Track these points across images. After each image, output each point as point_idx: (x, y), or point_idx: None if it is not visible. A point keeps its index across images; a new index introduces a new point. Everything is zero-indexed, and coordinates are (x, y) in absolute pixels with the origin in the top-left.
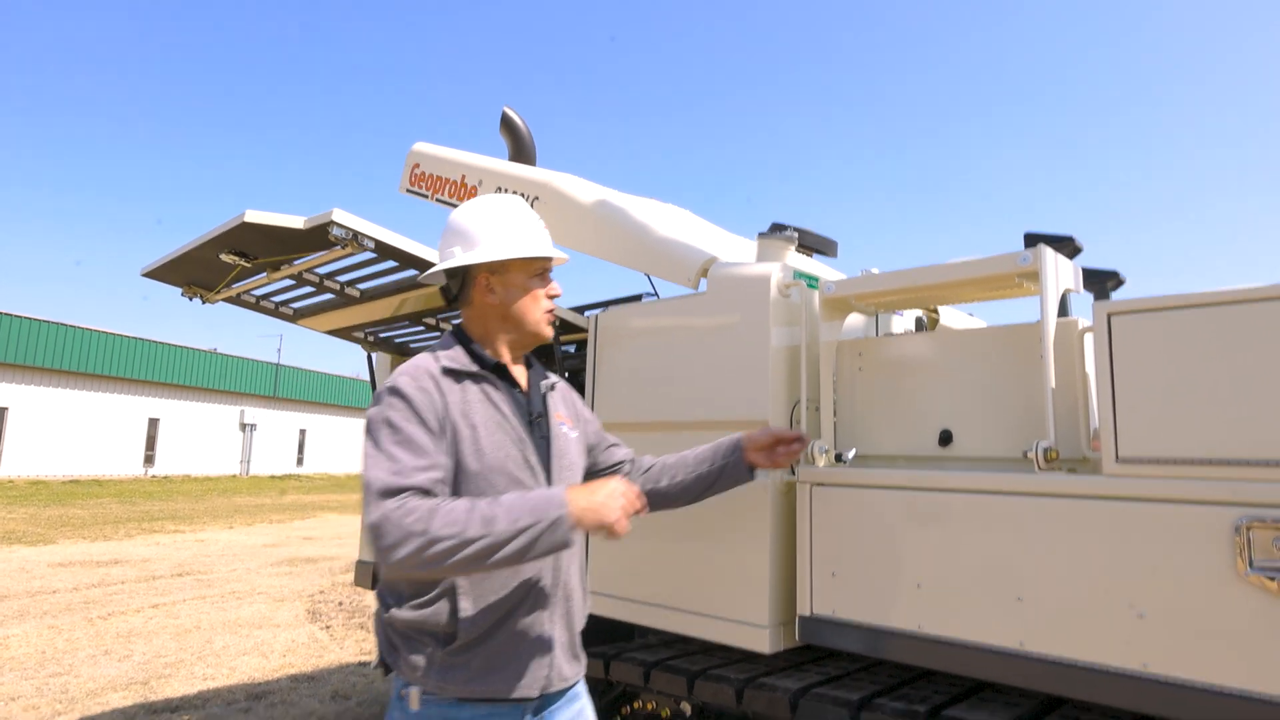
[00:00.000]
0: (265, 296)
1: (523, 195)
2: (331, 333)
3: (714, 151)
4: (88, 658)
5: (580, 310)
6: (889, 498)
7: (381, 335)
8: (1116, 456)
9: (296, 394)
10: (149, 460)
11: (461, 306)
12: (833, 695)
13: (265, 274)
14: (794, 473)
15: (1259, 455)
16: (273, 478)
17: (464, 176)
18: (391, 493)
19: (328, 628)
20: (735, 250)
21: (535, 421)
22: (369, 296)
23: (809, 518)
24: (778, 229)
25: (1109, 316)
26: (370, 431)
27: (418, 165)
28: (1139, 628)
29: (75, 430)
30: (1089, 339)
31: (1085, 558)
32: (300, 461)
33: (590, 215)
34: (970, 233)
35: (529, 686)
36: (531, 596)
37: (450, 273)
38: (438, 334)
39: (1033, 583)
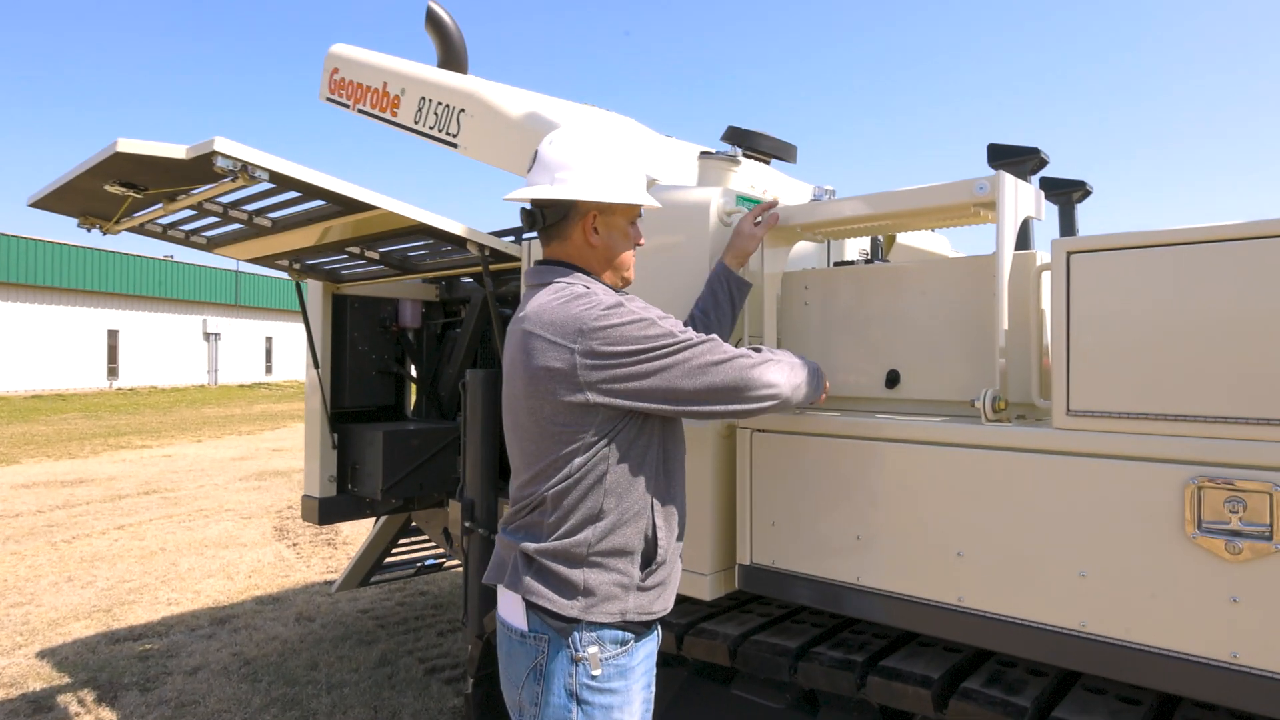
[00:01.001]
0: (173, 225)
1: (448, 106)
2: (253, 261)
3: (678, 42)
4: (50, 585)
5: (507, 235)
6: (828, 446)
7: (309, 263)
8: (1068, 409)
9: (260, 301)
10: (113, 373)
11: (550, 240)
12: (771, 643)
13: (161, 205)
14: None
15: (1215, 411)
16: (242, 387)
17: (386, 84)
18: (751, 360)
19: (294, 545)
20: (682, 166)
21: None
22: (282, 226)
23: (749, 466)
24: (735, 135)
25: (1068, 255)
26: (657, 348)
27: (336, 70)
28: (1078, 587)
29: (34, 344)
30: (1046, 277)
31: (1029, 514)
32: (269, 370)
33: (518, 130)
34: (948, 135)
35: (672, 598)
36: (683, 498)
37: (545, 201)
38: (363, 262)
39: (974, 538)
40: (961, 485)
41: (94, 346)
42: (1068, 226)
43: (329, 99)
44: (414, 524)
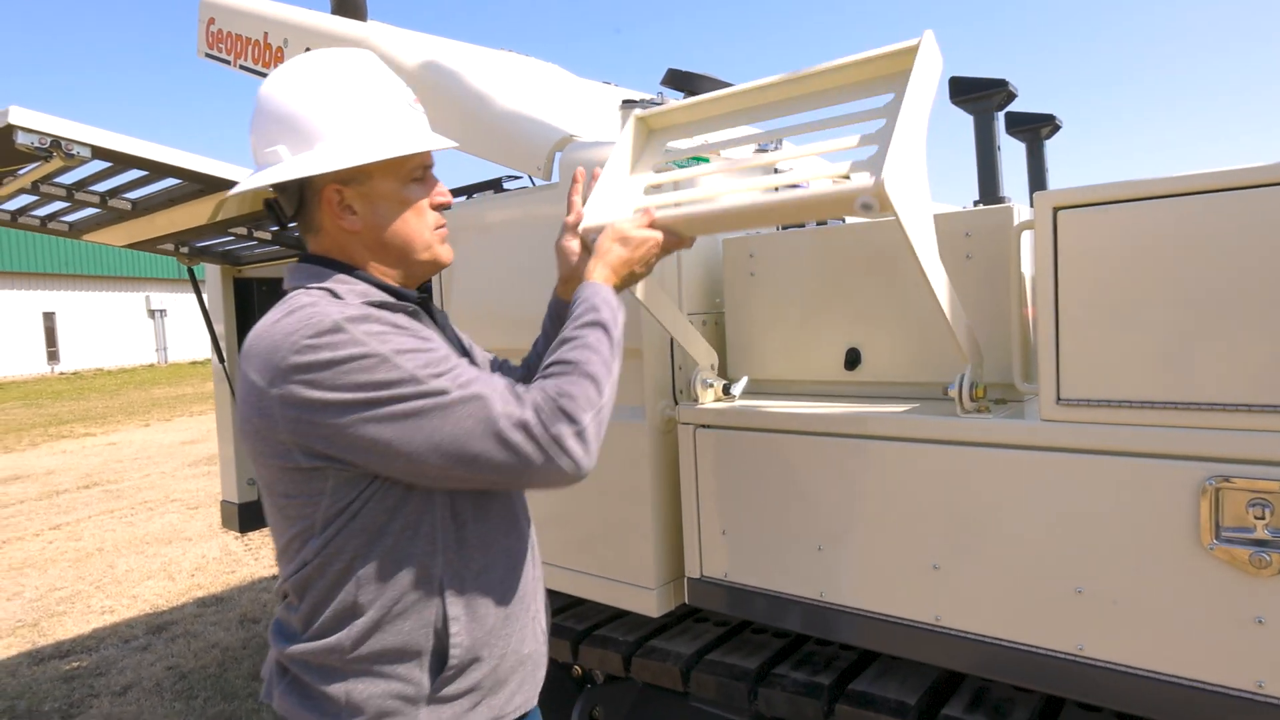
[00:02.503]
0: (21, 211)
1: None
2: (131, 247)
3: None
4: None
5: (484, 190)
6: (781, 443)
7: (197, 245)
8: (1058, 397)
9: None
10: (53, 356)
11: (306, 233)
12: (728, 664)
13: None
14: (677, 404)
15: (1237, 398)
16: (194, 364)
17: (266, 34)
18: (503, 404)
19: (241, 537)
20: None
21: (468, 358)
22: (145, 209)
23: (693, 465)
24: (675, 77)
25: (1054, 211)
26: (376, 388)
27: (213, 21)
28: (1074, 605)
29: None
30: (1027, 238)
31: (1013, 519)
32: None
33: (414, 82)
34: None
35: (530, 694)
36: (513, 567)
37: (279, 185)
38: (254, 242)
39: (951, 549)
40: (935, 487)
41: (30, 330)
42: (1036, 167)
43: (208, 55)
44: None
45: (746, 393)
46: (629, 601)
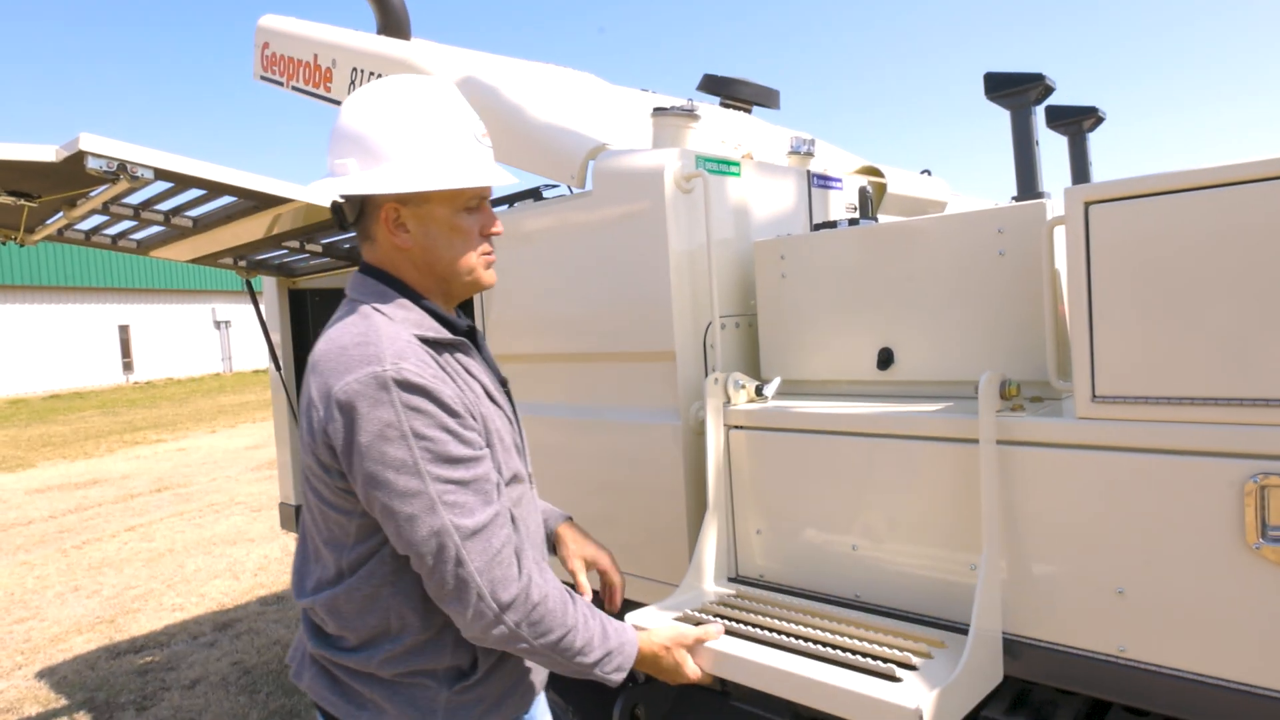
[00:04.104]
0: (94, 231)
1: (382, 76)
2: (194, 261)
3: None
4: (56, 596)
5: (523, 200)
6: (814, 443)
7: (255, 259)
8: (1093, 394)
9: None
10: (128, 367)
11: (361, 240)
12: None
13: (63, 212)
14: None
15: (1279, 394)
16: (256, 372)
17: (316, 56)
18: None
19: None
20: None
21: (507, 391)
22: (205, 225)
23: (726, 466)
24: (712, 82)
25: (1086, 206)
26: (400, 456)
27: (267, 45)
28: (1116, 606)
29: (48, 345)
30: (1059, 234)
31: (1052, 519)
32: None
33: None
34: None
35: (536, 687)
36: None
37: (345, 194)
38: (307, 255)
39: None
40: (967, 487)
41: (107, 342)
42: (1079, 160)
43: (263, 78)
44: None
45: (779, 393)
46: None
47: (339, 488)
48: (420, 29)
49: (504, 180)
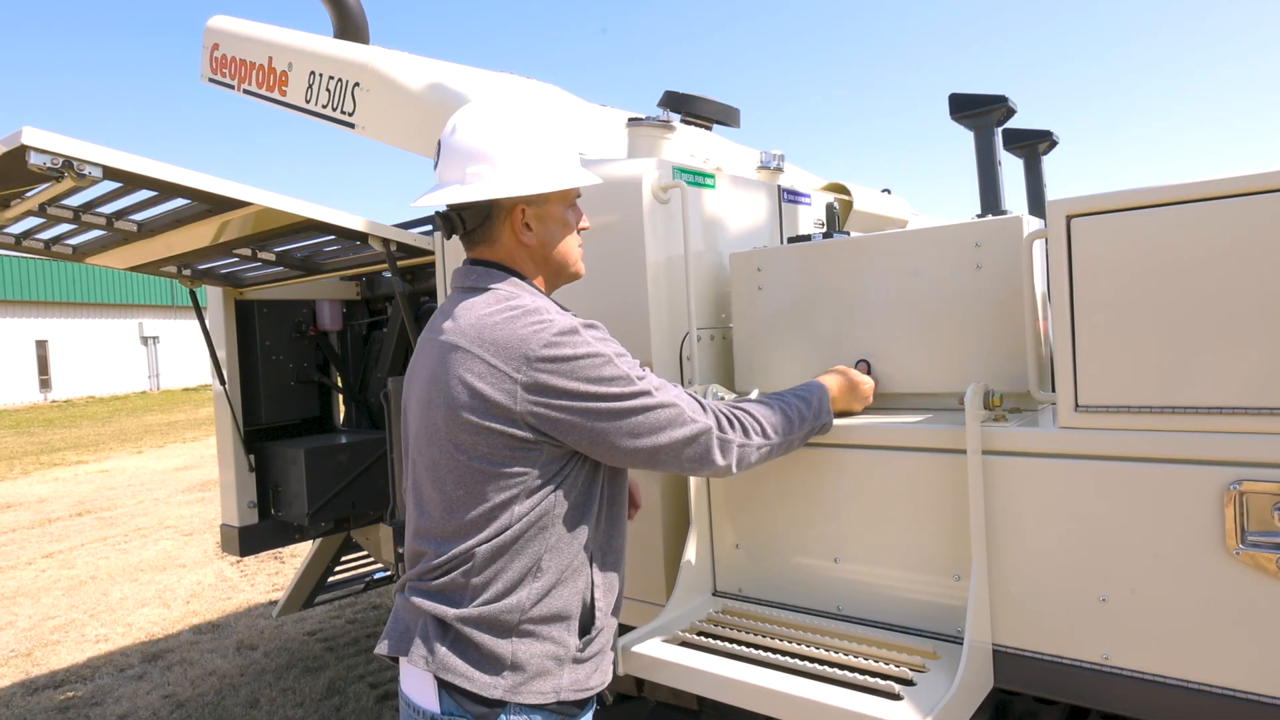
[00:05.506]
0: (26, 234)
1: (342, 80)
2: (135, 269)
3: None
4: None
5: (414, 227)
6: (792, 455)
7: (200, 268)
8: (1076, 404)
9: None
10: (45, 385)
11: (475, 244)
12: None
13: None
14: None
15: (1260, 400)
16: (186, 390)
17: (271, 59)
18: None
19: (238, 562)
20: (615, 137)
21: None
22: (151, 230)
23: (706, 480)
24: (673, 99)
25: (1068, 219)
26: (609, 395)
27: (217, 46)
28: (1099, 613)
29: None
30: (1038, 248)
31: (1036, 528)
32: None
33: (419, 104)
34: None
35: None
36: (623, 551)
37: (461, 204)
38: (258, 264)
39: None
40: (951, 497)
41: (23, 358)
42: (1035, 182)
43: (211, 79)
44: (355, 540)
45: None
46: (637, 617)
47: (527, 442)
48: (421, 29)
49: (595, 179)
